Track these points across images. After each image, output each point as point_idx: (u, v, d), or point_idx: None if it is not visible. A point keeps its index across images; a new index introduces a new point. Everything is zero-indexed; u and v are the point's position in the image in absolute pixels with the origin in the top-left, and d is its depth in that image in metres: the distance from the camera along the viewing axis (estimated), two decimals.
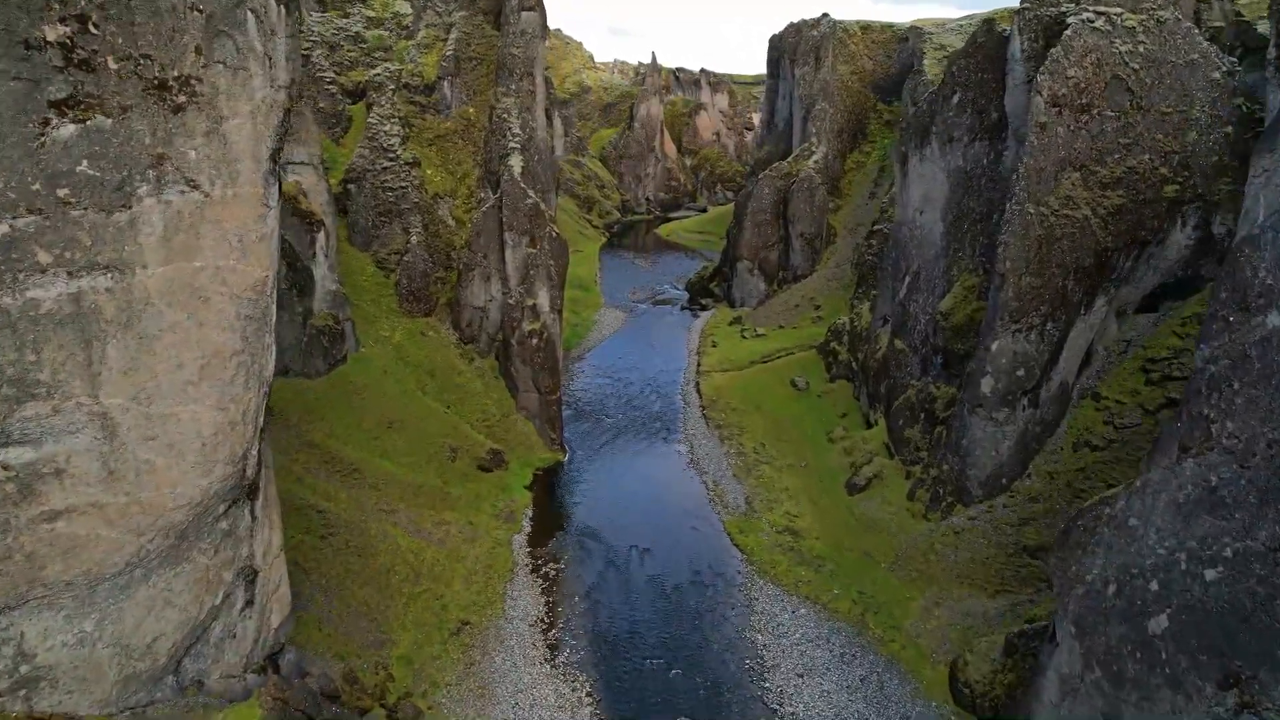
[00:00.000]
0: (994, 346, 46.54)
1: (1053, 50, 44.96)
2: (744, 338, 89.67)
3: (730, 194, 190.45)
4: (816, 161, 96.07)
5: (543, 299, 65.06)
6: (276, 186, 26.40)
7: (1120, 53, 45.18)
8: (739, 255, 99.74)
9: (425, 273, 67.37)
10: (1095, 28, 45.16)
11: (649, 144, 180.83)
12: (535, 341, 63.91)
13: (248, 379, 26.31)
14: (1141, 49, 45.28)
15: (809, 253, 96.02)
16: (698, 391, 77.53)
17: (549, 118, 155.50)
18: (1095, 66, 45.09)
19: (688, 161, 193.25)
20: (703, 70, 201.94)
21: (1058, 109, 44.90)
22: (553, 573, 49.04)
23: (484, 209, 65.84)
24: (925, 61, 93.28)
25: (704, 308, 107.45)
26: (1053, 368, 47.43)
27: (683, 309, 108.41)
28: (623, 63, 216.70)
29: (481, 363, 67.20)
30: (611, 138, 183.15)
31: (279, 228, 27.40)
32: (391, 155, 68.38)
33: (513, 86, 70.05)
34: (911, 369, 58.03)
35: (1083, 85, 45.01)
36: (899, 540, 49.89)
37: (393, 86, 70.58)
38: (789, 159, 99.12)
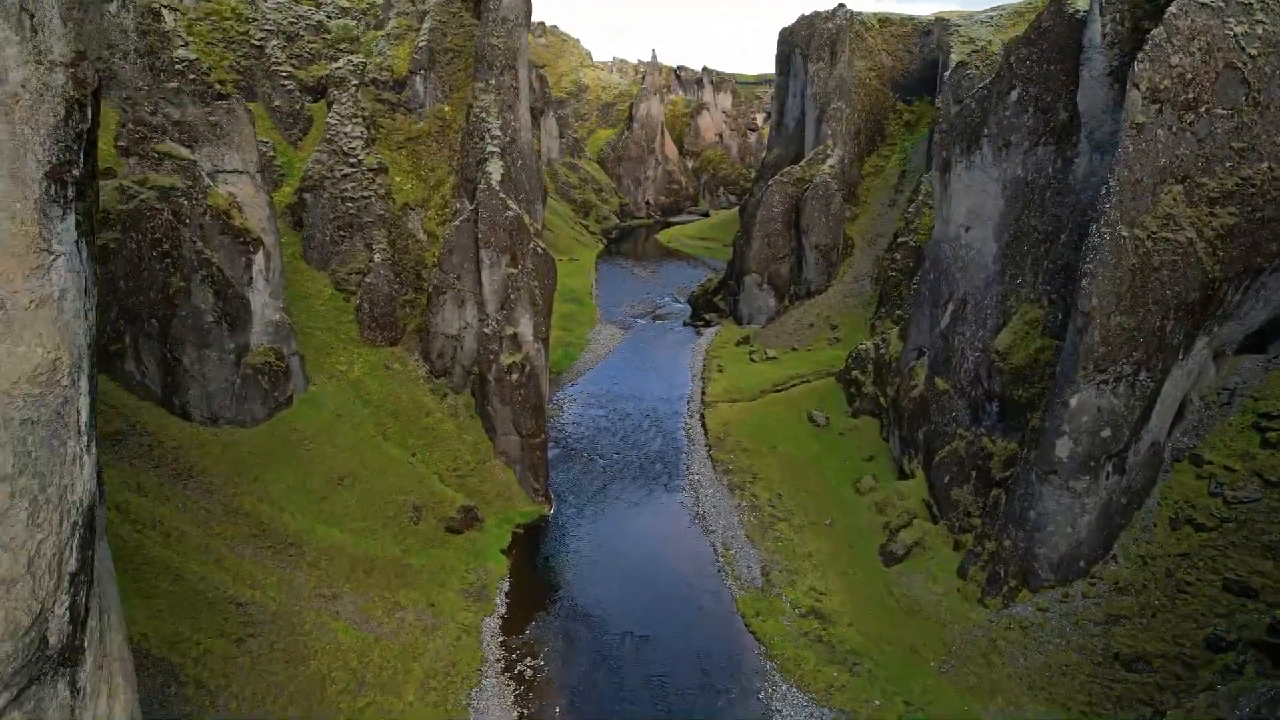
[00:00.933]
0: (1073, 401, 37.32)
1: (1154, 33, 35.71)
2: (753, 361, 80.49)
3: (733, 198, 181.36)
4: (832, 166, 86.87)
5: (525, 327, 55.90)
6: (73, 220, 17.20)
7: (1235, 35, 35.97)
8: (746, 268, 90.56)
9: (390, 295, 58.17)
10: (1204, 4, 35.95)
11: (649, 145, 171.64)
12: (516, 377, 54.72)
13: (34, 513, 17.10)
14: (1261, 30, 36.07)
15: (824, 266, 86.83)
16: (703, 426, 68.33)
17: (537, 117, 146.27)
18: (1204, 53, 35.88)
19: (689, 164, 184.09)
20: (705, 69, 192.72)
21: (1158, 106, 35.70)
22: (530, 672, 39.86)
23: (458, 222, 56.64)
24: (953, 56, 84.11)
25: (708, 324, 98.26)
26: (1144, 425, 38.27)
27: (685, 325, 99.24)
28: (622, 61, 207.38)
29: (455, 399, 58.02)
30: (610, 139, 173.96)
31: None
32: (353, 160, 59.19)
33: (492, 81, 60.87)
34: (957, 414, 48.83)
35: (1189, 76, 35.80)
36: (950, 632, 40.69)
37: (356, 82, 61.35)
38: (801, 163, 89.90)
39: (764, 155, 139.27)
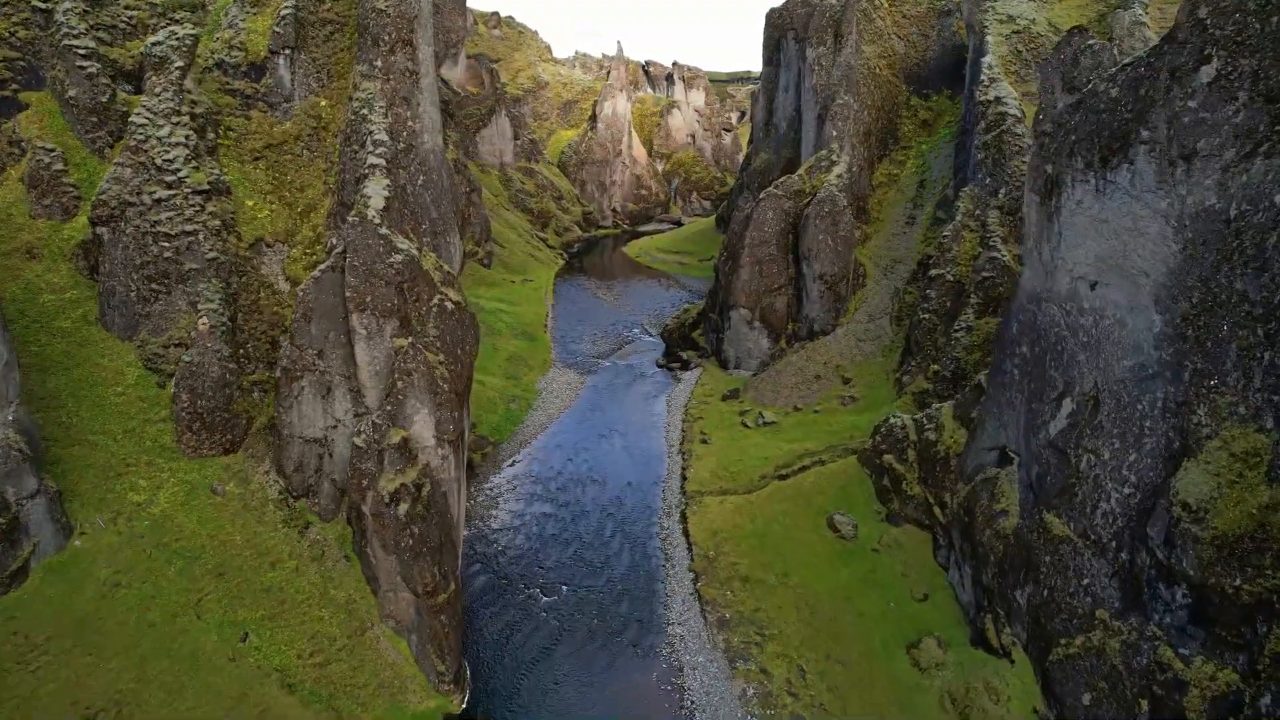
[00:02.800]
0: None
1: None
2: (746, 426, 61.71)
3: (707, 203, 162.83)
4: (840, 176, 68.26)
5: (422, 426, 36.63)
6: None
7: None
8: (733, 300, 71.73)
9: (224, 379, 38.51)
10: None
11: (615, 147, 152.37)
12: (406, 508, 35.41)
13: None
14: None
15: (831, 300, 68.25)
16: (685, 534, 49.38)
17: (486, 116, 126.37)
18: None
19: (659, 167, 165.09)
20: (675, 64, 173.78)
21: None
22: None
23: (319, 272, 37.14)
24: (989, 38, 65.76)
25: (685, 365, 79.44)
26: None
27: (658, 365, 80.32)
28: (584, 55, 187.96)
29: (322, 532, 38.59)
30: (572, 140, 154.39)
31: None
32: (172, 178, 39.46)
33: (378, 64, 41.59)
34: (1093, 584, 30.31)
35: None
36: None
37: (180, 64, 41.50)
38: (800, 171, 71.16)
39: (746, 160, 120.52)
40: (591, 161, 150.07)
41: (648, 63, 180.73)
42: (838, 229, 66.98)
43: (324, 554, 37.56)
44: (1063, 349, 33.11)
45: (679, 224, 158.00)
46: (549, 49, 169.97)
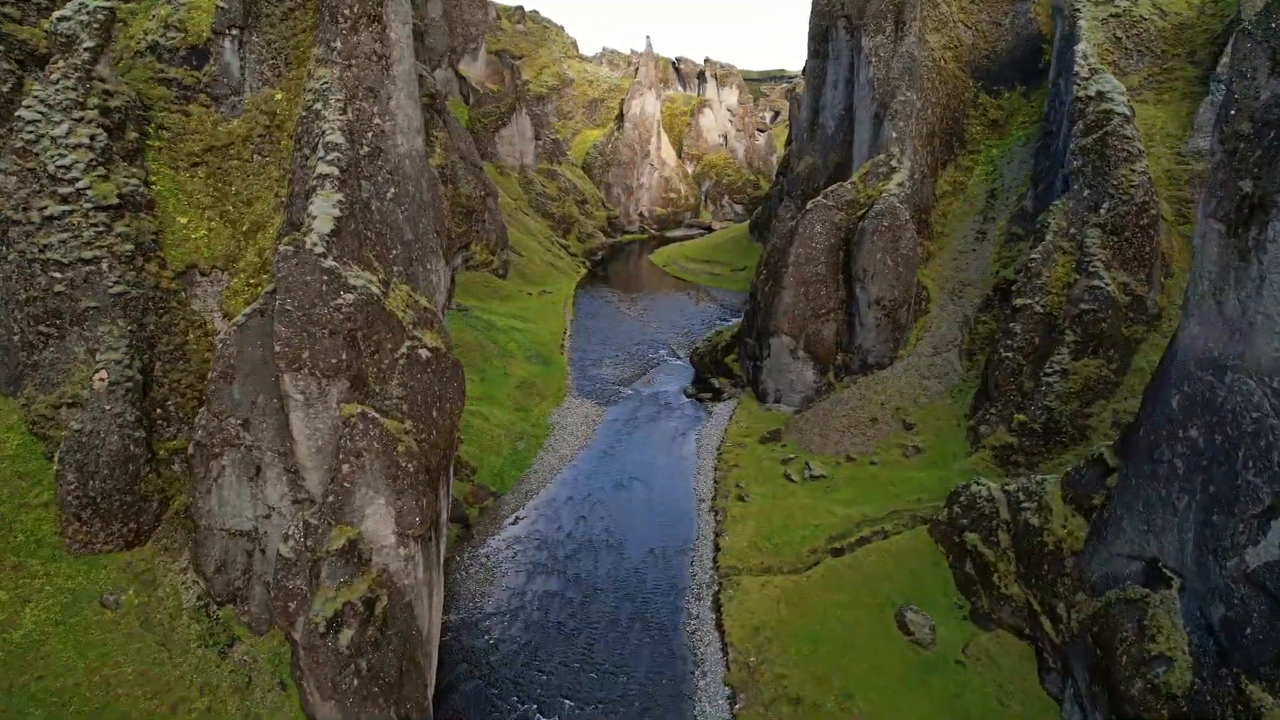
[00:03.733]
0: None
1: None
2: (790, 479, 51.86)
3: (739, 208, 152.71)
4: (901, 184, 58.11)
5: (377, 521, 27.32)
6: None
7: None
8: (774, 326, 61.81)
9: (127, 451, 29.47)
10: None
11: (643, 148, 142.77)
12: (351, 637, 26.13)
13: None
14: None
15: (889, 329, 58.16)
16: (720, 631, 39.66)
17: (506, 115, 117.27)
18: None
19: (689, 169, 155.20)
20: (707, 60, 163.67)
21: None
22: None
23: (242, 317, 27.98)
24: (1081, 24, 55.34)
25: (717, 395, 69.73)
26: None
27: (686, 395, 70.68)
28: (613, 52, 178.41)
29: (253, 650, 29.42)
30: (597, 140, 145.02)
31: None
32: (69, 189, 30.49)
33: (336, 45, 32.31)
34: None
35: None
36: None
37: (91, 44, 32.52)
38: (854, 178, 61.02)
39: (784, 163, 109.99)
40: (618, 163, 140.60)
41: (678, 59, 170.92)
42: (898, 247, 56.86)
43: (251, 682, 28.39)
44: (1269, 446, 23.02)
45: (709, 230, 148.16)
46: (575, 45, 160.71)
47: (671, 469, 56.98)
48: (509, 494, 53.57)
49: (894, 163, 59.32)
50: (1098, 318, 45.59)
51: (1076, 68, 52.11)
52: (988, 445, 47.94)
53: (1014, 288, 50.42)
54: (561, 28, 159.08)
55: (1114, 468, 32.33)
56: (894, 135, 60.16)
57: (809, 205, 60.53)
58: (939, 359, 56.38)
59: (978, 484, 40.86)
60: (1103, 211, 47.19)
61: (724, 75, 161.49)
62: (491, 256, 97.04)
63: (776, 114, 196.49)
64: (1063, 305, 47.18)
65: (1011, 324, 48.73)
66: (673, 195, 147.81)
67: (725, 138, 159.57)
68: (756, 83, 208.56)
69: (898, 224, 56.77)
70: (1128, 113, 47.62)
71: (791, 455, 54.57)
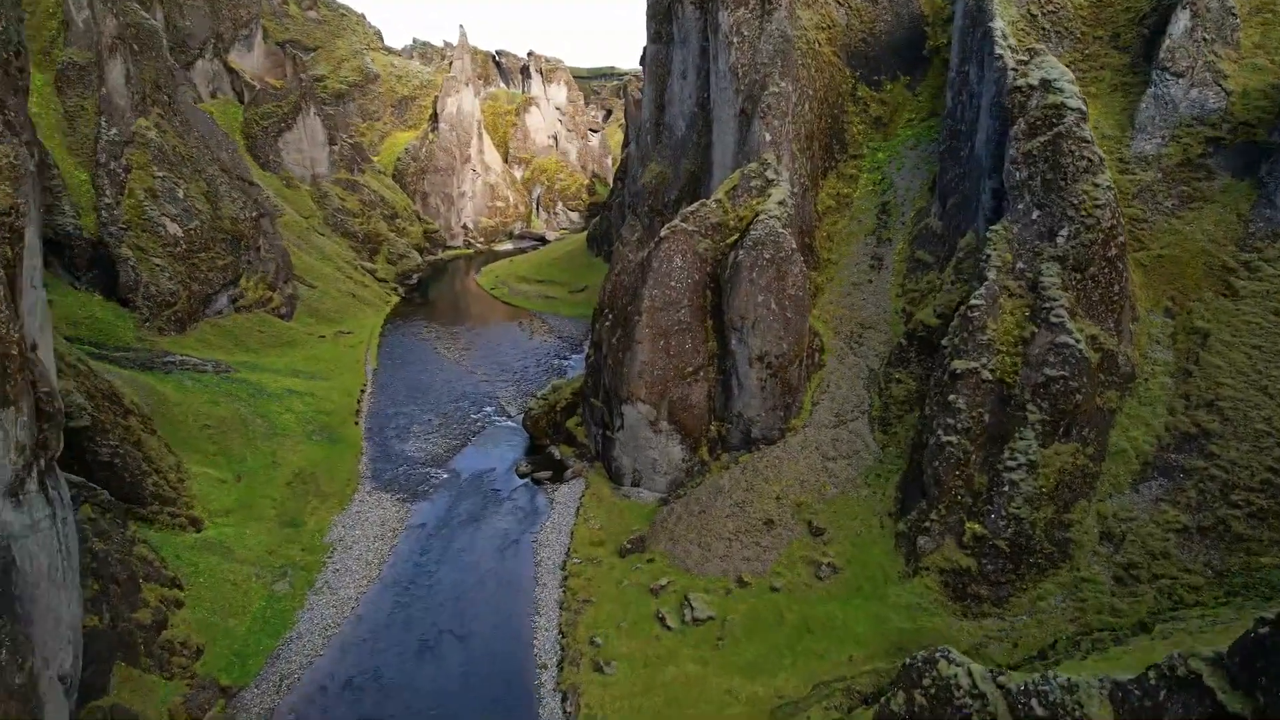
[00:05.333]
0: None
1: None
2: (665, 625, 35.95)
3: (575, 215, 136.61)
4: (782, 202, 43.52)
5: None
6: None
7: None
8: (628, 392, 45.92)
9: None
10: None
11: (463, 152, 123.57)
12: None
13: None
14: None
15: (777, 393, 43.53)
16: None
17: (291, 116, 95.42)
18: None
19: (518, 174, 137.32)
20: (532, 54, 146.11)
21: None
22: None
23: None
24: (995, 9, 42.73)
25: (559, 471, 53.18)
26: None
27: (520, 475, 53.70)
28: (425, 44, 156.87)
29: None
30: (409, 144, 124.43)
31: None
32: None
33: None
34: None
35: None
36: None
37: None
38: (719, 195, 45.90)
39: (623, 169, 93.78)
40: (434, 169, 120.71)
41: (499, 53, 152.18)
42: (785, 285, 42.29)
43: None
44: None
45: (543, 241, 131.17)
46: (379, 36, 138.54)
47: (500, 610, 39.87)
48: (252, 687, 34.69)
49: (770, 173, 44.69)
50: (1069, 386, 32.56)
51: (999, 50, 39.16)
52: (932, 567, 34.05)
53: (947, 343, 36.79)
54: (362, 16, 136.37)
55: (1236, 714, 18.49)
56: (767, 138, 45.56)
57: (664, 231, 44.90)
58: (844, 431, 42.31)
59: (949, 661, 26.39)
60: (1060, 240, 34.26)
61: (551, 70, 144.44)
62: (270, 293, 75.77)
63: (609, 113, 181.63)
64: (1019, 369, 33.91)
65: (950, 395, 35.03)
66: (500, 204, 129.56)
67: (555, 139, 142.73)
68: (586, 80, 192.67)
69: (782, 255, 42.17)
70: (1082, 107, 34.88)
71: (664, 579, 38.76)
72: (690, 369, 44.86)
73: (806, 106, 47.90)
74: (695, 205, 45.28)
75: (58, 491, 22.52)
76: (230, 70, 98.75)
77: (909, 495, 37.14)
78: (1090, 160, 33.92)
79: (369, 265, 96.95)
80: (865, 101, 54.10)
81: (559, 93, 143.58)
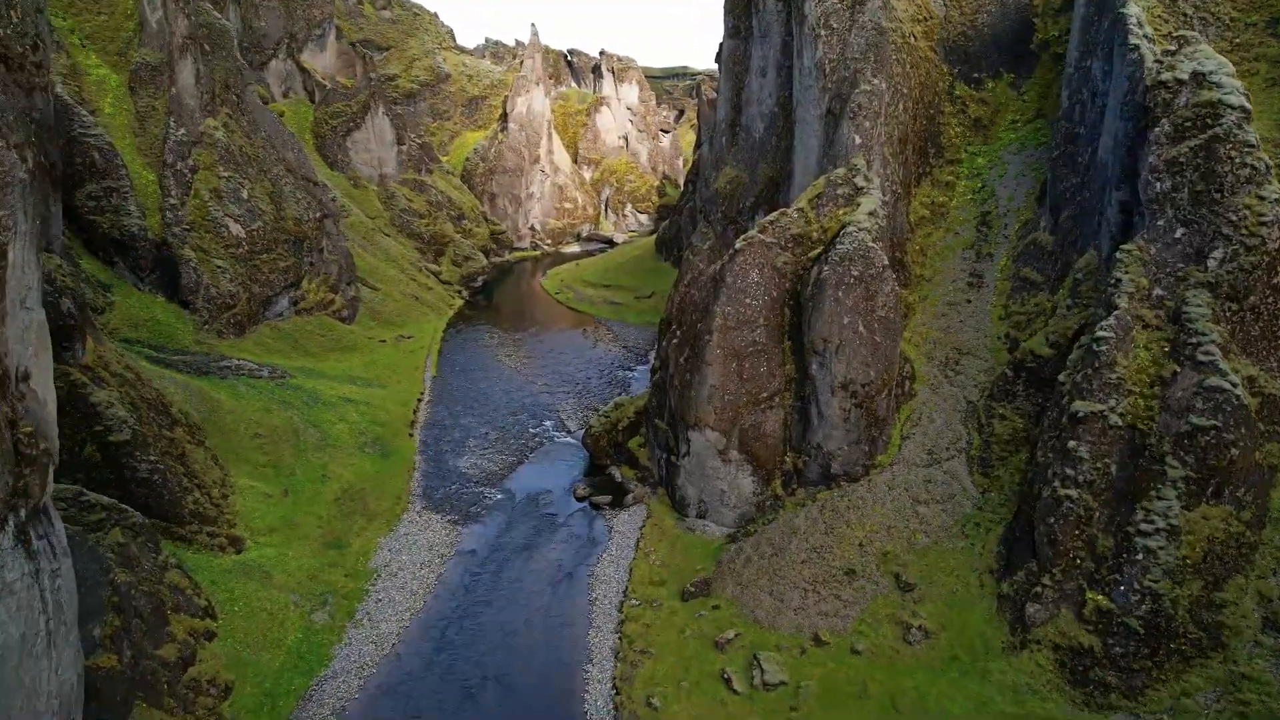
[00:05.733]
0: None
1: None
2: (731, 687, 31.82)
3: (644, 218, 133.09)
4: (873, 213, 38.86)
5: None
6: None
7: None
8: (695, 417, 41.90)
9: None
10: None
11: (532, 152, 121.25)
12: None
13: None
14: None
15: (861, 424, 38.92)
16: None
17: (360, 115, 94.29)
18: None
19: (587, 175, 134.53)
20: (603, 53, 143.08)
21: None
22: None
23: None
24: None
25: (619, 495, 49.59)
26: None
27: (578, 498, 50.23)
28: (496, 44, 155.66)
29: None
30: (478, 144, 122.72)
31: None
32: None
33: None
34: None
35: None
36: None
37: None
38: (802, 203, 41.46)
39: (694, 172, 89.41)
40: (503, 170, 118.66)
41: (570, 52, 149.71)
42: (874, 306, 37.66)
43: None
44: None
45: (611, 243, 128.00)
46: (451, 35, 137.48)
47: (550, 655, 36.35)
48: None
49: (859, 180, 40.06)
50: (1222, 438, 27.23)
51: (1133, 40, 33.75)
52: (1043, 640, 29.09)
53: (1065, 379, 31.69)
54: (435, 15, 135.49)
55: None
56: (857, 141, 40.92)
57: (739, 243, 40.69)
58: (938, 472, 37.45)
59: None
60: (1212, 263, 28.87)
61: (623, 69, 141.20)
62: (331, 295, 74.21)
63: (681, 113, 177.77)
64: (1156, 415, 28.69)
65: (1070, 441, 29.97)
66: (568, 205, 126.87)
67: (626, 139, 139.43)
68: (658, 80, 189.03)
69: (871, 272, 37.55)
70: (1245, 105, 29.37)
71: (731, 631, 34.62)
72: (765, 395, 40.59)
73: (900, 106, 43.02)
74: (774, 215, 40.92)
75: (47, 540, 19.75)
76: (303, 70, 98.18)
77: (1015, 552, 32.17)
78: (1255, 168, 28.45)
79: (433, 267, 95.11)
80: (964, 101, 48.83)
81: (630, 92, 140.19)
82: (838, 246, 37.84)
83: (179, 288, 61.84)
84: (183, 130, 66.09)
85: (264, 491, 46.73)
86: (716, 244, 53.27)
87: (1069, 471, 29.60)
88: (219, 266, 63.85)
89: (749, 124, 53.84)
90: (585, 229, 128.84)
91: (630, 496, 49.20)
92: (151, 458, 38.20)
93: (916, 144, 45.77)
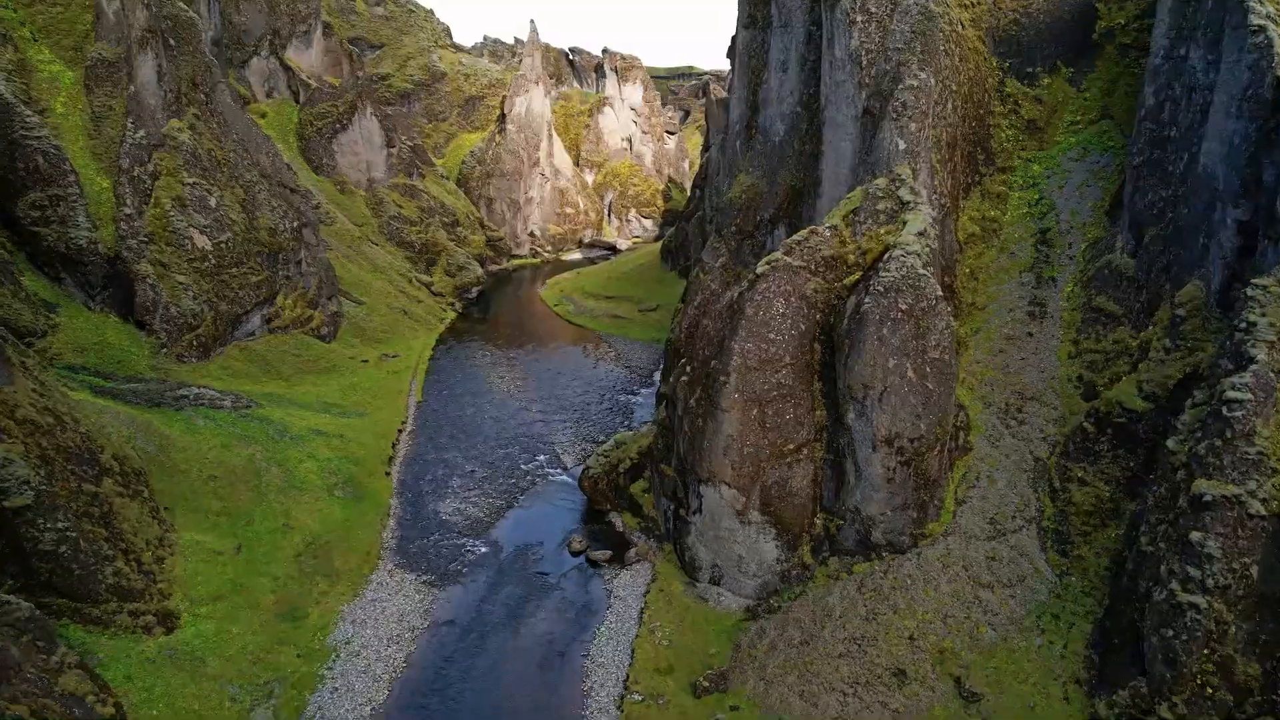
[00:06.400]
0: None
1: None
2: None
3: (649, 223, 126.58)
4: (923, 233, 32.14)
5: None
6: None
7: None
8: (709, 471, 35.27)
9: None
10: None
11: (531, 155, 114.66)
12: None
13: None
14: None
15: (909, 485, 32.24)
16: None
17: (349, 114, 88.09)
18: None
19: (589, 179, 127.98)
20: (606, 51, 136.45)
21: None
22: None
23: None
24: None
25: (620, 549, 43.11)
26: None
27: (573, 553, 43.65)
28: (495, 42, 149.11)
29: None
30: (475, 146, 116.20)
31: None
32: None
33: None
34: None
35: None
36: None
37: None
38: (834, 221, 34.76)
39: (702, 176, 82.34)
40: (500, 173, 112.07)
41: (572, 50, 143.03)
42: (925, 345, 31.00)
43: None
44: None
45: (614, 250, 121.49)
46: (448, 32, 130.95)
47: None
48: None
49: (904, 192, 33.40)
50: None
51: (1255, 21, 27.04)
52: None
53: (1177, 448, 24.96)
54: (430, 12, 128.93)
55: None
56: (901, 145, 34.24)
57: (761, 267, 34.04)
58: (1003, 546, 30.78)
59: None
60: None
61: (626, 68, 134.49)
62: (310, 311, 67.73)
63: (687, 114, 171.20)
64: None
65: (1194, 533, 23.28)
66: (569, 210, 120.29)
67: (630, 141, 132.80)
68: (663, 80, 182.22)
69: (923, 305, 30.89)
70: None
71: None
72: (791, 446, 33.97)
73: (949, 105, 36.33)
74: (803, 233, 34.25)
75: None
76: (287, 68, 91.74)
77: (1113, 662, 25.53)
78: None
79: (424, 278, 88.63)
80: (1015, 99, 42.11)
81: (635, 92, 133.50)
82: (882, 274, 31.19)
83: (134, 306, 55.41)
84: (142, 132, 59.60)
85: (212, 548, 40.23)
86: (730, 261, 46.66)
87: (1192, 572, 22.95)
88: (180, 283, 57.36)
89: (767, 126, 47.16)
90: (587, 235, 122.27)
91: (633, 552, 42.65)
92: (61, 524, 31.70)
93: (964, 149, 39.07)
